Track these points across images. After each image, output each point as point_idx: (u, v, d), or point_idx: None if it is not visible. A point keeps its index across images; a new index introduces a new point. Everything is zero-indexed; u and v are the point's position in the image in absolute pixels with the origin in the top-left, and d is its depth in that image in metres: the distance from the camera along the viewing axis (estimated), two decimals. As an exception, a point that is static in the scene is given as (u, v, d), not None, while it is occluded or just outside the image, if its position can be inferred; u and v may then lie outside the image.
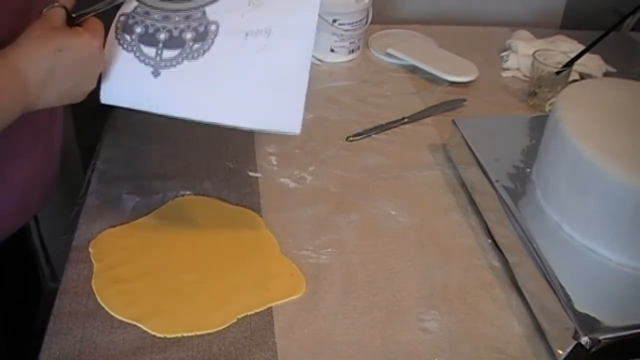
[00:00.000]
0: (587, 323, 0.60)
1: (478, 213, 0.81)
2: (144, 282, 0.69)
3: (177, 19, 0.67)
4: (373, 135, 0.96)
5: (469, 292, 0.71)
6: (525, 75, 1.11)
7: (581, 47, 1.05)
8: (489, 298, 0.70)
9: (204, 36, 0.66)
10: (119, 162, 0.86)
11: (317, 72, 1.12)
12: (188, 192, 0.81)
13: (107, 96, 0.65)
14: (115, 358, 0.61)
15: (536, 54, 1.03)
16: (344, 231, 0.78)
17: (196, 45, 0.65)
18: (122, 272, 0.70)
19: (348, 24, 1.11)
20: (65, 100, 0.61)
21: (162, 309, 0.66)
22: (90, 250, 0.72)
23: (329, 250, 0.75)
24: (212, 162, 0.87)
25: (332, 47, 1.13)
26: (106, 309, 0.66)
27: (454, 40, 1.21)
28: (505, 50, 1.18)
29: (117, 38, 0.66)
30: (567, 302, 0.62)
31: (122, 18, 0.66)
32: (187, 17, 0.67)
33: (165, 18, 0.66)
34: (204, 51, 0.66)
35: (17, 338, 0.84)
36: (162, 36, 0.66)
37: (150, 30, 0.66)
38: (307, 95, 0.66)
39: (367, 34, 1.18)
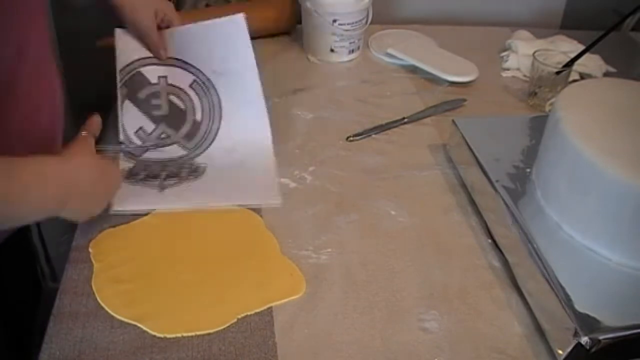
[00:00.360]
0: (587, 323, 0.60)
1: (478, 213, 0.81)
2: (144, 282, 0.69)
3: (171, 166, 0.84)
4: (373, 135, 0.96)
5: (469, 292, 0.71)
6: (525, 75, 1.11)
7: (581, 47, 1.05)
8: (489, 298, 0.70)
9: (196, 170, 0.84)
10: (119, 162, 0.86)
11: (317, 72, 1.13)
12: (188, 192, 0.81)
13: (118, 206, 0.76)
14: (115, 358, 0.61)
15: (536, 54, 1.03)
16: (344, 231, 0.78)
17: (191, 176, 0.83)
18: (122, 272, 0.70)
19: (348, 24, 1.11)
20: (76, 213, 0.67)
21: (162, 309, 0.66)
22: (90, 250, 0.72)
23: (329, 250, 0.75)
24: (212, 162, 0.87)
25: (332, 47, 1.13)
26: (106, 309, 0.66)
27: (454, 40, 1.21)
28: (505, 50, 1.18)
29: (125, 177, 0.82)
30: (567, 302, 0.62)
31: (127, 169, 0.83)
32: (180, 165, 0.84)
33: (164, 166, 0.84)
34: (199, 176, 0.83)
35: (17, 338, 0.84)
36: (163, 175, 0.82)
37: (151, 174, 0.82)
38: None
39: (367, 34, 1.18)
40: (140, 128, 0.86)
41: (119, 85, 0.85)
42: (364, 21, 1.14)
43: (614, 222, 0.67)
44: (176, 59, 0.88)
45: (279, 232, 0.76)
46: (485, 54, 1.18)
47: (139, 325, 0.64)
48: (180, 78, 0.88)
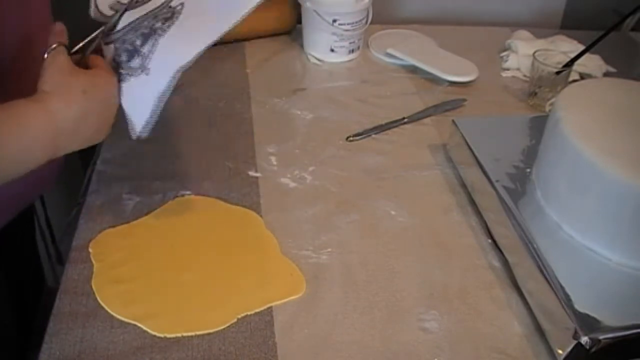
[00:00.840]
0: (587, 323, 0.60)
1: (478, 213, 0.81)
2: (144, 282, 0.69)
3: (145, 22, 0.67)
4: (373, 135, 0.96)
5: (469, 292, 0.71)
6: (525, 75, 1.11)
7: (581, 47, 1.05)
8: (489, 298, 0.70)
9: (171, 15, 0.67)
10: (119, 162, 0.86)
11: (317, 72, 1.13)
12: (188, 192, 0.81)
13: (136, 129, 0.65)
14: (115, 358, 0.61)
15: (536, 54, 1.03)
16: (344, 231, 0.78)
17: (166, 24, 0.66)
18: (122, 272, 0.70)
19: (348, 24, 1.11)
20: (89, 142, 0.62)
21: (162, 309, 0.66)
22: (90, 250, 0.72)
23: (329, 250, 0.75)
24: (212, 162, 0.87)
25: (332, 47, 1.13)
26: (106, 309, 0.66)
27: (454, 40, 1.21)
28: (505, 50, 1.18)
29: (117, 79, 0.66)
30: (567, 302, 0.62)
31: (113, 64, 0.67)
32: (155, 17, 0.67)
33: (136, 30, 0.67)
34: (176, 20, 0.66)
35: (17, 338, 0.84)
36: (138, 42, 0.66)
37: (130, 48, 0.66)
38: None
39: (367, 34, 1.18)
40: (118, 1, 0.70)
41: None
42: (364, 21, 1.14)
43: (614, 222, 0.67)
44: None
45: (279, 232, 0.76)
46: (485, 54, 1.18)
47: (139, 325, 0.64)
48: None
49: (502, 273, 0.74)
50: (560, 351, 0.62)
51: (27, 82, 0.59)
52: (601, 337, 0.59)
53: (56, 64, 0.59)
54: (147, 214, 0.78)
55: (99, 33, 0.67)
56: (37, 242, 0.95)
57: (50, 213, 0.92)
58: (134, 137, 0.65)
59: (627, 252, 0.67)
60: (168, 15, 0.67)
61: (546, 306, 0.65)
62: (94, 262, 0.71)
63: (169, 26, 0.66)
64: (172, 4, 0.68)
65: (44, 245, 0.94)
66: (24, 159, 0.56)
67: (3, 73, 0.65)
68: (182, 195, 0.81)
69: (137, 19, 0.68)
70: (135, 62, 0.66)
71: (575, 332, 0.60)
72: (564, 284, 0.64)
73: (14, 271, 0.85)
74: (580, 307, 0.62)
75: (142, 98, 0.66)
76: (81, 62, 0.64)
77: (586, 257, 0.68)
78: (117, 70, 0.67)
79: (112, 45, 0.69)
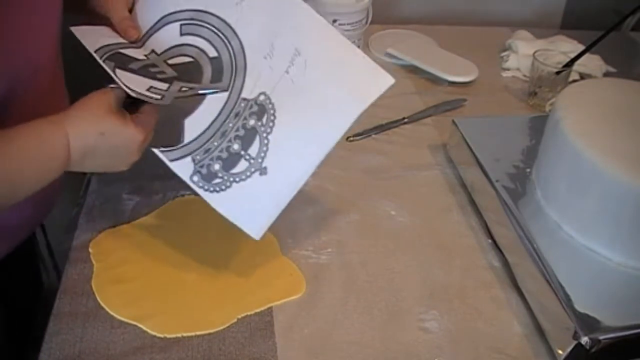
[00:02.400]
0: (587, 323, 0.60)
1: (478, 213, 0.81)
2: (144, 282, 0.69)
3: (230, 125, 0.64)
4: (373, 135, 0.96)
5: (469, 292, 0.71)
6: (525, 75, 1.11)
7: (581, 47, 1.05)
8: (489, 298, 0.70)
9: (262, 110, 0.64)
10: (119, 162, 0.86)
11: (317, 72, 1.12)
12: (188, 192, 0.81)
13: (256, 231, 0.65)
14: (115, 358, 0.61)
15: (536, 54, 1.03)
16: (344, 231, 0.78)
17: (264, 119, 0.63)
18: (122, 272, 0.70)
19: (348, 24, 1.11)
20: (99, 171, 0.69)
21: (162, 309, 0.66)
22: (90, 250, 0.72)
23: (329, 250, 0.75)
24: (212, 162, 0.87)
25: (332, 47, 1.13)
26: (106, 309, 0.66)
27: (454, 40, 1.21)
28: (505, 50, 1.18)
29: (209, 191, 0.66)
30: (567, 302, 0.62)
31: (194, 178, 0.65)
32: (237, 115, 0.64)
33: (223, 135, 0.64)
34: (274, 114, 0.64)
35: (17, 338, 0.84)
36: (236, 147, 0.64)
37: (225, 155, 0.64)
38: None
39: (367, 34, 1.18)
40: (151, 87, 0.63)
41: (101, 59, 0.62)
42: (364, 21, 1.14)
43: (614, 222, 0.67)
44: (148, 30, 0.69)
45: (279, 232, 0.76)
46: (485, 54, 1.18)
47: (139, 325, 0.64)
48: (166, 38, 0.69)
49: (502, 273, 0.74)
50: (560, 351, 0.62)
51: (31, 111, 0.59)
52: (601, 337, 0.59)
53: (101, 96, 0.61)
54: (147, 214, 0.78)
55: (156, 100, 0.63)
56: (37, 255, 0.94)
57: (50, 214, 0.91)
58: (257, 238, 0.65)
59: (627, 252, 0.67)
60: (255, 110, 0.64)
61: (546, 306, 0.65)
62: (94, 262, 0.71)
63: (272, 121, 0.63)
64: (246, 95, 0.65)
65: (42, 259, 0.94)
66: (45, 168, 0.59)
67: (12, 102, 0.65)
68: (182, 195, 0.81)
69: (212, 123, 0.65)
70: (241, 166, 0.64)
71: (575, 332, 0.60)
72: (564, 284, 0.64)
73: (10, 277, 0.85)
74: (580, 307, 0.62)
75: (259, 198, 0.64)
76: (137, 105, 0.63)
77: (586, 257, 0.68)
78: (205, 181, 0.65)
79: (187, 160, 0.65)
